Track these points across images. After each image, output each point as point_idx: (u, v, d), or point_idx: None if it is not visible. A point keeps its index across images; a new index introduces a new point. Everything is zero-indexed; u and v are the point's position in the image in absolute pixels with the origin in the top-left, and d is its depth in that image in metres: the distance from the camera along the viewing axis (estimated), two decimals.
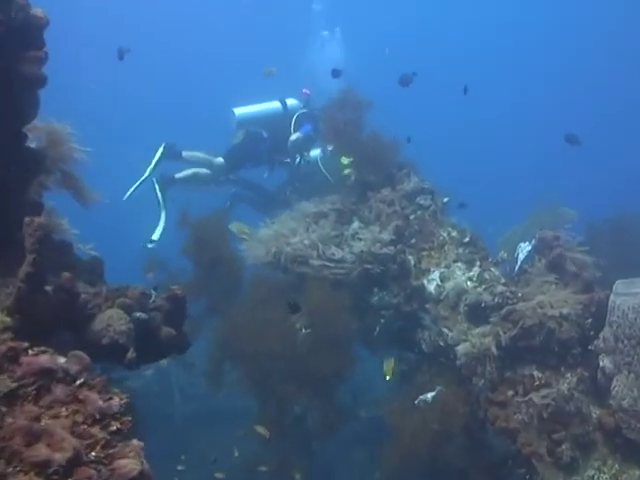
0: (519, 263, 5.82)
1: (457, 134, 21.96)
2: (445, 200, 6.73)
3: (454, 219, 6.62)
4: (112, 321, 3.80)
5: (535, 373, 5.29)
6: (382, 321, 6.20)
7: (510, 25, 25.35)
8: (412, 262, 6.25)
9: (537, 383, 5.22)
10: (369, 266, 6.13)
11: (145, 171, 7.57)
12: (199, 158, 8.01)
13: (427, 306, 6.03)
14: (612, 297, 5.03)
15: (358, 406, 8.33)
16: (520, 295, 5.59)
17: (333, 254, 6.23)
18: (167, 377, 9.83)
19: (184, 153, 7.90)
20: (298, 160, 7.90)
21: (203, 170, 7.94)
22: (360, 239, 6.30)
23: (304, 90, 8.24)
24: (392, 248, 6.16)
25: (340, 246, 6.35)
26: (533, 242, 5.83)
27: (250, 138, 7.98)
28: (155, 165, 7.61)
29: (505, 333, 5.39)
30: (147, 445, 2.29)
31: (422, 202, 6.59)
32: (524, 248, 5.82)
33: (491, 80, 22.58)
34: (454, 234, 6.38)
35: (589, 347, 5.22)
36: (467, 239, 6.29)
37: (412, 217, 6.54)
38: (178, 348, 4.57)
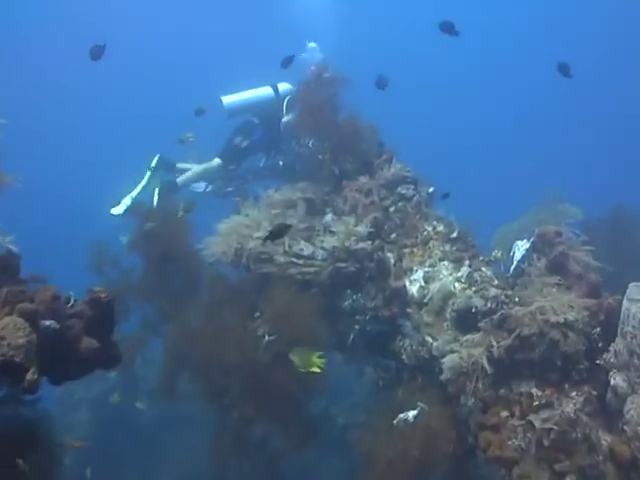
0: (515, 263, 5.17)
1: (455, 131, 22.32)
2: (430, 190, 6.23)
3: (440, 212, 6.11)
4: (7, 332, 3.06)
5: (534, 391, 4.65)
6: (356, 327, 5.65)
7: (515, 16, 25.44)
8: (392, 260, 5.75)
9: (537, 403, 4.58)
10: (342, 264, 5.63)
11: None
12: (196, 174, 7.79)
13: (408, 311, 5.49)
14: (625, 303, 4.40)
15: (334, 412, 8.19)
16: (517, 299, 4.98)
17: (301, 250, 5.70)
18: (133, 379, 9.50)
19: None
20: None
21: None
22: (333, 233, 5.77)
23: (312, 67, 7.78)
24: (369, 243, 5.66)
25: (310, 241, 5.82)
26: (532, 239, 5.17)
27: (241, 130, 7.73)
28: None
29: (499, 343, 4.78)
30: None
31: (404, 192, 6.13)
32: (521, 246, 5.19)
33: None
34: (440, 229, 5.87)
35: (597, 361, 4.57)
36: (455, 234, 5.77)
37: (392, 209, 6.08)
38: (105, 362, 3.82)
